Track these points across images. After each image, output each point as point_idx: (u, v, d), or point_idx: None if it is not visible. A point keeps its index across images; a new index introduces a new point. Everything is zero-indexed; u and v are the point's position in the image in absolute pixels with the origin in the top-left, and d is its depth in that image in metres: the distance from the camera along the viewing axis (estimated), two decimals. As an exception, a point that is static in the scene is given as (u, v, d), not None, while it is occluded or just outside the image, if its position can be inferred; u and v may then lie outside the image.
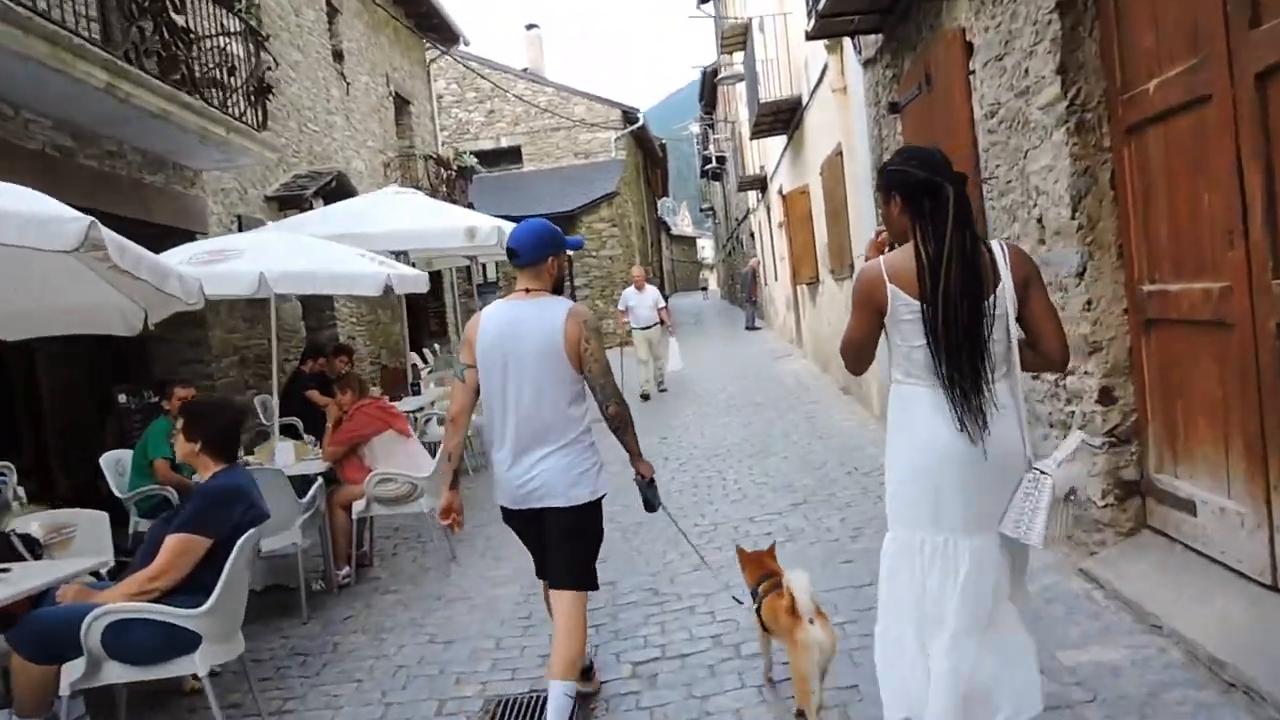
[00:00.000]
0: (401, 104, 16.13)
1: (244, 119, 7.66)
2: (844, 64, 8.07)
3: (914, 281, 2.26)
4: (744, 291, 23.09)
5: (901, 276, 2.29)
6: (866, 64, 7.18)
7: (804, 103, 11.03)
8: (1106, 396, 3.76)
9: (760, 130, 13.15)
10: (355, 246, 7.28)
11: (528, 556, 3.41)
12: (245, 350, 8.95)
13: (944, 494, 2.30)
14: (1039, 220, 4.15)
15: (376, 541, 6.08)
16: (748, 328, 21.95)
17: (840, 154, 8.80)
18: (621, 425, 3.10)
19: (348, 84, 13.08)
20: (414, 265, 8.79)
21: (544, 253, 3.12)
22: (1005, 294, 2.27)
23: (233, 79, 7.50)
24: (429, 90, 18.21)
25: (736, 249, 32.86)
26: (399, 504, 5.38)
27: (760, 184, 18.68)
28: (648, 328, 11.36)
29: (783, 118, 12.29)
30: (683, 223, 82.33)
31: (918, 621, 2.34)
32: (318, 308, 11.46)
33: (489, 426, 3.13)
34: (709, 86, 29.79)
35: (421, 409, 8.08)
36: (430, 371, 12.33)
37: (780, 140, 14.06)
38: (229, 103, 7.43)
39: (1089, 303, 3.78)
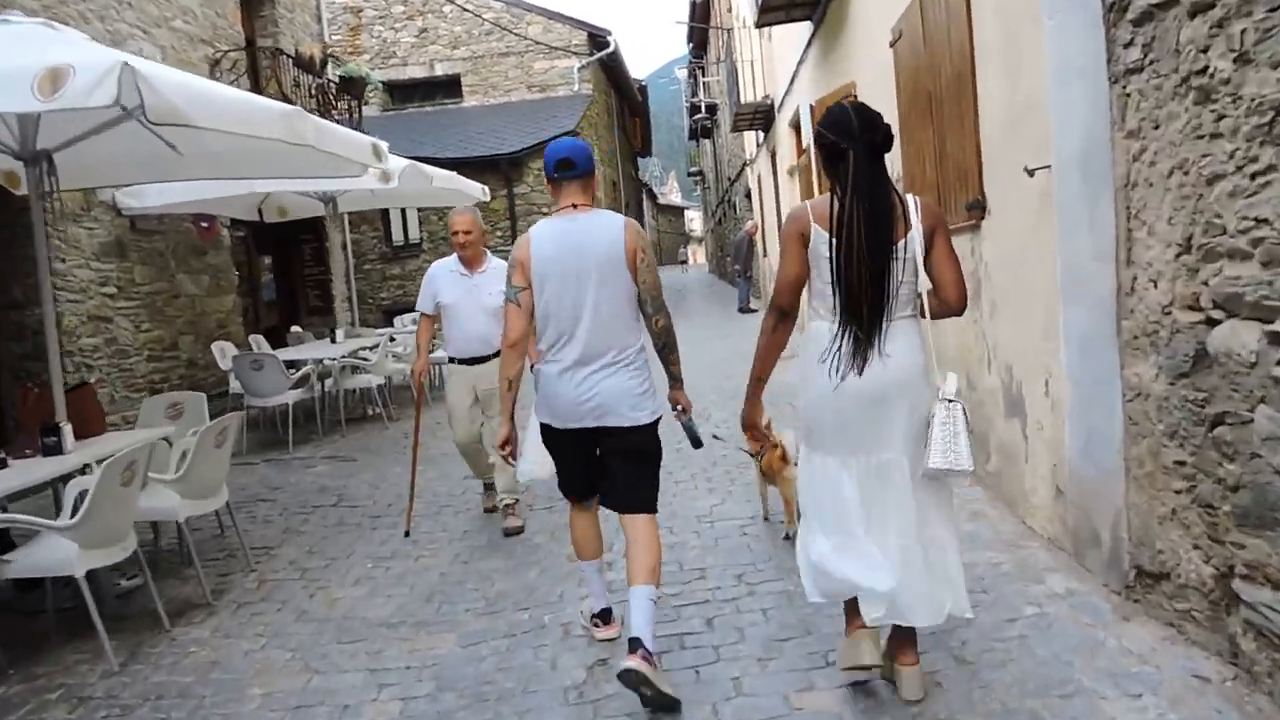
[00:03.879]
0: (257, -16, 11.33)
1: None
2: None
3: (830, 221, 2.47)
4: (737, 264, 18.35)
5: (823, 217, 2.47)
6: None
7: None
8: None
9: (773, 8, 8.38)
10: None
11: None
12: None
13: (845, 418, 2.50)
14: None
15: None
16: (741, 309, 17.33)
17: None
18: (669, 342, 3.05)
19: (125, -80, 8.27)
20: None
21: (593, 165, 3.06)
22: (915, 240, 2.45)
23: None
24: (313, -24, 13.36)
25: (728, 214, 28.13)
26: None
27: (763, 117, 13.95)
28: (476, 361, 4.78)
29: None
30: (670, 193, 77.78)
31: (832, 529, 2.56)
32: (12, 265, 6.77)
33: (543, 345, 3.01)
34: (699, 15, 25.00)
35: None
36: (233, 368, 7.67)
37: (800, 34, 9.39)
38: None
39: None
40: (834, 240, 2.42)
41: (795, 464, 3.38)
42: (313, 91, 11.07)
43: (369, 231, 16.90)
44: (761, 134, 15.09)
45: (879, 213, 2.41)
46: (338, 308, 13.09)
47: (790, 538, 3.97)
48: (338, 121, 11.86)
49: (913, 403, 2.48)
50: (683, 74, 29.58)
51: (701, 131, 33.11)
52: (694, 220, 73.33)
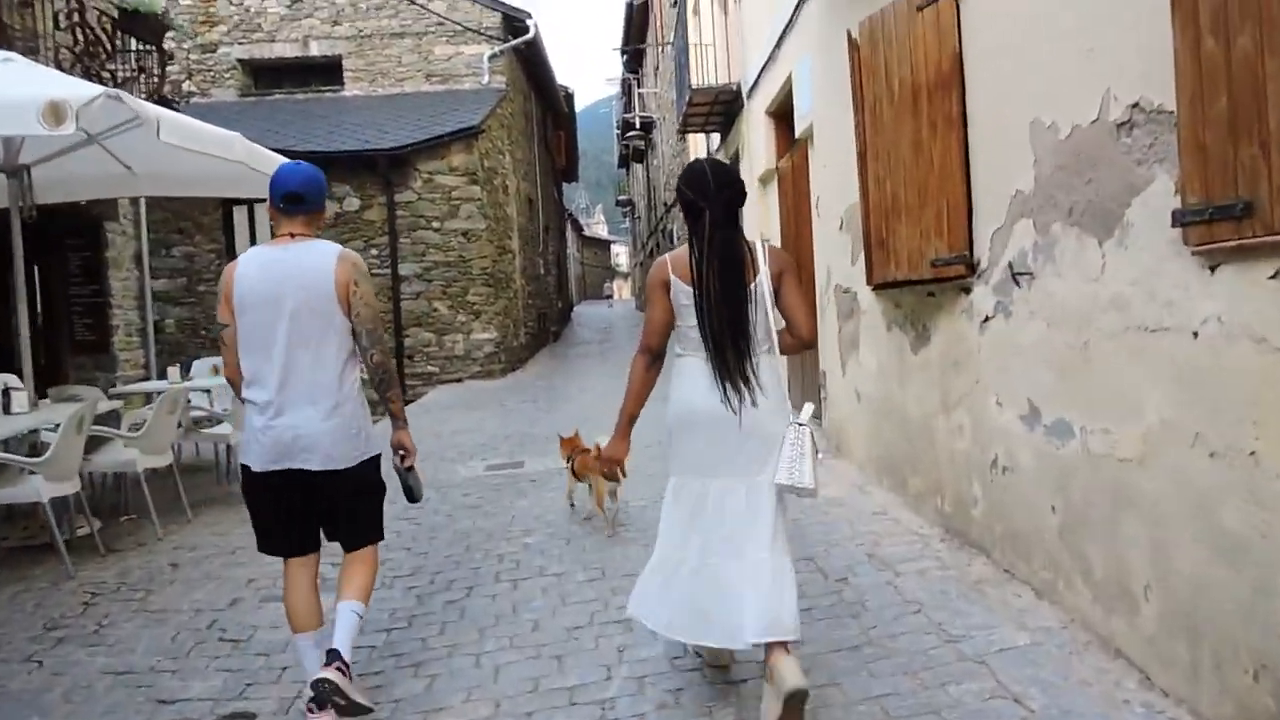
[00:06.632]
0: None
1: None
2: None
3: (689, 273, 2.70)
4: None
5: (680, 269, 2.72)
6: None
7: None
8: None
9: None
10: None
11: None
12: None
13: (709, 446, 2.69)
14: None
15: None
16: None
17: None
18: (386, 378, 2.95)
19: None
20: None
21: (324, 199, 2.97)
22: (763, 284, 2.68)
23: None
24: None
25: (662, 245, 24.90)
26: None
27: (722, 112, 10.68)
28: None
29: None
30: (596, 225, 75.04)
31: (686, 550, 2.72)
32: None
33: (246, 381, 2.83)
34: (636, 21, 22.04)
35: None
36: None
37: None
38: None
39: None
40: (695, 290, 2.66)
41: None
42: (62, 22, 7.30)
43: (205, 243, 13.02)
44: (718, 137, 11.85)
45: (731, 263, 2.65)
46: (119, 343, 9.20)
47: (590, 518, 4.98)
48: (124, 79, 8.11)
49: (773, 433, 2.66)
50: (615, 86, 26.44)
51: (633, 154, 30.02)
52: (620, 255, 70.49)
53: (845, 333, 5.85)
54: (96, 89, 3.99)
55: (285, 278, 2.74)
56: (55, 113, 3.82)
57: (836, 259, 5.91)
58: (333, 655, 2.72)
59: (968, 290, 3.81)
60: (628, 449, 2.94)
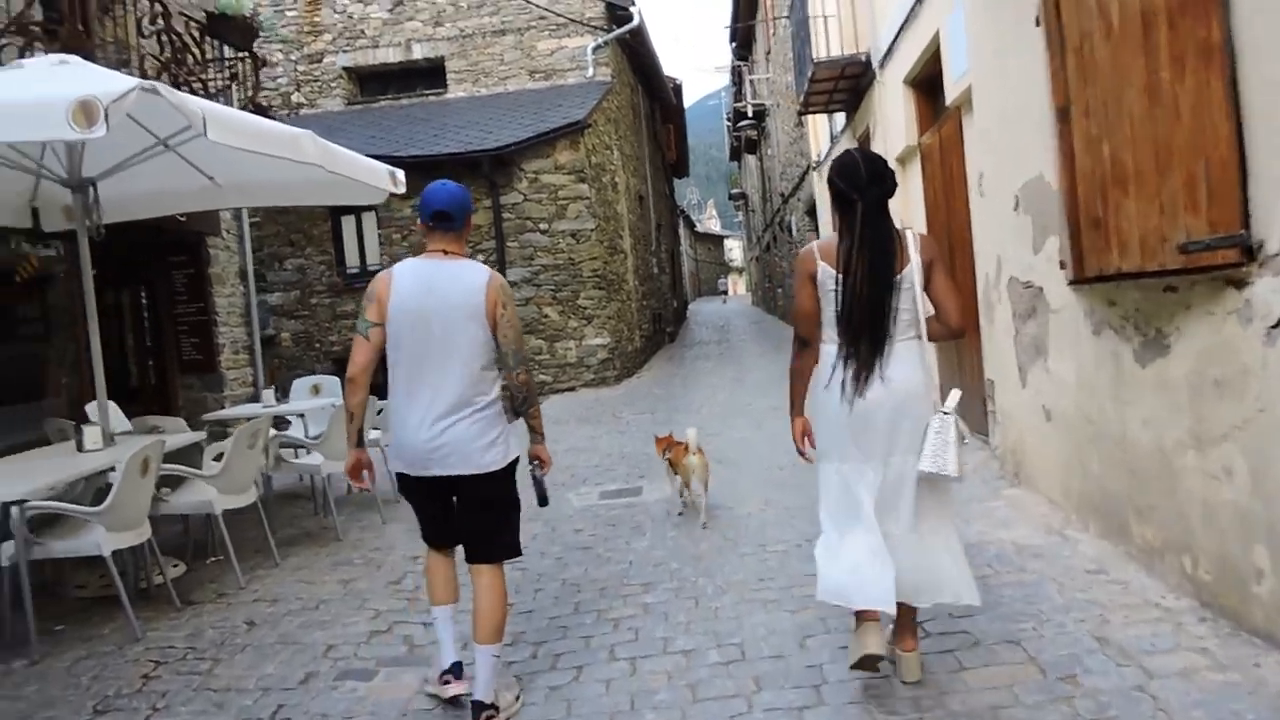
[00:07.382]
0: None
1: None
2: None
3: (836, 260, 2.75)
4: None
5: (828, 254, 2.77)
6: None
7: None
8: None
9: None
10: None
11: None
12: None
13: (852, 430, 2.76)
14: None
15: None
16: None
17: None
18: (528, 396, 3.08)
19: None
20: None
21: (469, 216, 3.12)
22: (913, 272, 2.72)
23: None
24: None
25: (779, 239, 23.78)
26: None
27: (848, 89, 9.62)
28: None
29: None
30: (709, 221, 74.19)
31: (844, 527, 2.78)
32: None
33: (394, 389, 2.99)
34: (744, 3, 21.06)
35: None
36: None
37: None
38: None
39: None
40: (839, 276, 2.70)
41: (695, 453, 4.95)
42: (146, 28, 6.98)
43: (315, 255, 12.88)
44: (842, 118, 10.77)
45: (880, 256, 2.68)
46: (225, 362, 8.95)
47: (683, 513, 5.32)
48: (216, 90, 7.80)
49: (915, 416, 2.74)
50: (723, 78, 25.39)
51: (745, 145, 28.97)
52: (733, 250, 69.40)
53: (1025, 336, 4.80)
54: (131, 82, 3.42)
55: (441, 292, 2.90)
56: (85, 112, 3.27)
57: (1011, 247, 4.86)
58: (479, 707, 2.89)
59: (1239, 284, 2.77)
60: (804, 423, 2.99)
